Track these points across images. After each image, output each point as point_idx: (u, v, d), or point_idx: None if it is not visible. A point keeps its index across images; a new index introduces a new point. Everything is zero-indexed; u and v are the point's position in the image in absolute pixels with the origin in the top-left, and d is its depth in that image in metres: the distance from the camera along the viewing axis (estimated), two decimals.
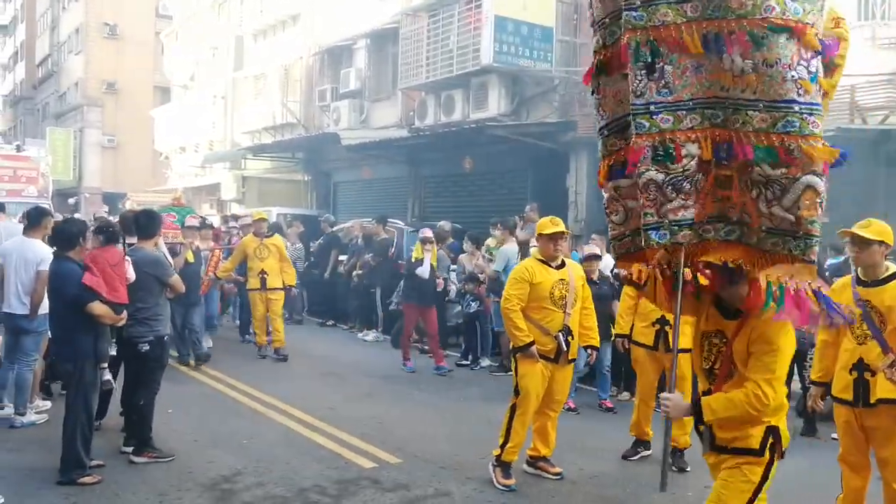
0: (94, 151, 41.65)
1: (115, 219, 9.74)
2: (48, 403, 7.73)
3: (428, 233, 10.92)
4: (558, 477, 6.19)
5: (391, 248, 13.36)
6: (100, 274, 5.86)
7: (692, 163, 3.31)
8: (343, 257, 14.35)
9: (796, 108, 3.11)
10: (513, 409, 6.04)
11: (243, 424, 7.53)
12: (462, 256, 11.49)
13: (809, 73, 3.12)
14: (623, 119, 3.50)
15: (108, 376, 6.35)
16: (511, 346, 6.20)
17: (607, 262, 9.37)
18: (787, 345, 3.47)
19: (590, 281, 7.27)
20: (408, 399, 8.98)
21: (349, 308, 14.38)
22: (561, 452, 6.44)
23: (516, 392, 6.06)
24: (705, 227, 3.42)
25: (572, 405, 8.29)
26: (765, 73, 3.13)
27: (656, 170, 3.31)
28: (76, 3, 43.16)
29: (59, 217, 8.92)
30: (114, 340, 6.19)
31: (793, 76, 3.09)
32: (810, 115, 3.12)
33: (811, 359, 7.25)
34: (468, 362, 10.98)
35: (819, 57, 3.17)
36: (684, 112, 3.31)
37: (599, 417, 8.36)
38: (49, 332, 6.78)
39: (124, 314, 6.02)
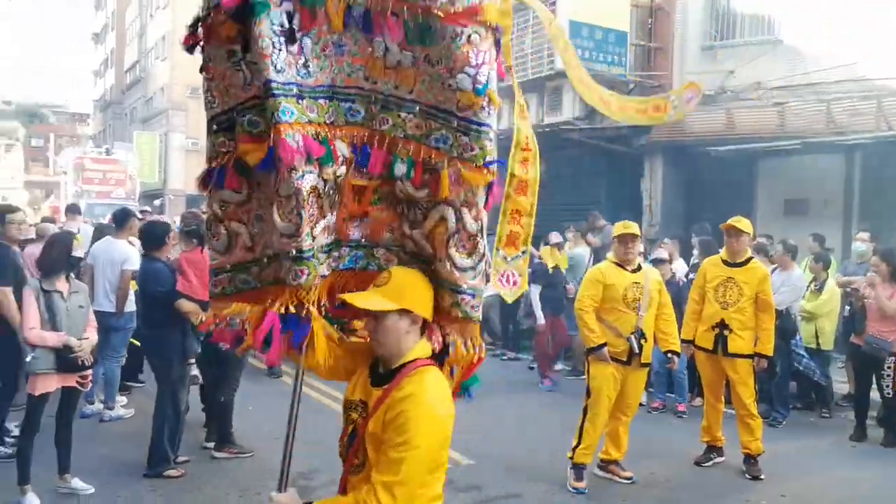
0: (179, 154, 43.00)
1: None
2: (124, 399, 8.11)
3: (557, 237, 10.47)
4: (629, 481, 6.21)
5: None
6: (197, 275, 6.15)
7: (342, 168, 2.53)
8: None
9: (454, 123, 2.45)
10: (585, 410, 6.11)
11: (321, 422, 7.69)
12: (537, 260, 11.50)
13: (477, 83, 2.41)
14: (234, 110, 2.57)
15: (195, 371, 6.64)
16: (584, 348, 6.29)
17: (682, 267, 9.32)
18: (429, 439, 2.38)
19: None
20: (480, 401, 8.98)
21: None
22: (633, 457, 6.45)
23: (588, 393, 6.12)
24: (333, 254, 2.62)
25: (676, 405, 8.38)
26: (426, 71, 2.45)
27: (314, 172, 2.44)
28: (163, 11, 44.67)
29: (153, 218, 9.30)
30: (201, 339, 6.47)
31: (451, 84, 2.42)
32: (465, 134, 2.45)
33: (888, 367, 7.11)
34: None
35: (492, 65, 2.47)
36: (324, 101, 2.52)
37: (673, 422, 8.32)
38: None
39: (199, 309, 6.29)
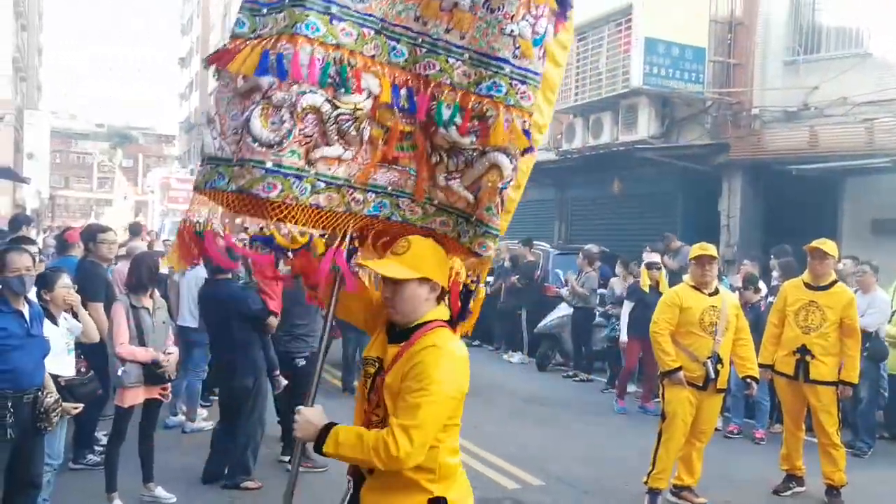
0: None
1: None
2: (205, 412, 8.31)
3: (654, 256, 10.18)
4: None
5: (537, 270, 13.45)
6: (274, 292, 6.34)
7: (367, 102, 2.41)
8: (490, 278, 14.54)
9: (506, 70, 2.41)
10: (659, 434, 6.00)
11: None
12: (613, 280, 11.38)
13: (535, 33, 2.42)
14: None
15: (284, 381, 6.78)
16: (658, 371, 6.18)
17: (762, 289, 9.08)
18: (445, 386, 2.45)
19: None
20: (552, 422, 9.00)
21: (494, 329, 14.53)
22: (708, 483, 6.29)
23: (663, 417, 6.01)
24: (354, 196, 2.52)
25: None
26: (483, 17, 2.42)
27: (323, 96, 2.34)
28: None
29: None
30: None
31: (512, 31, 2.40)
32: (522, 82, 2.44)
33: None
34: (615, 389, 10.83)
35: (551, 19, 2.49)
36: (371, 32, 2.42)
37: (751, 448, 8.07)
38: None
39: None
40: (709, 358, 5.89)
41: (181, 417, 8.02)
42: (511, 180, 2.53)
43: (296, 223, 2.50)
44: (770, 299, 8.23)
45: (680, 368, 5.88)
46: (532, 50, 2.43)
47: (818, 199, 12.91)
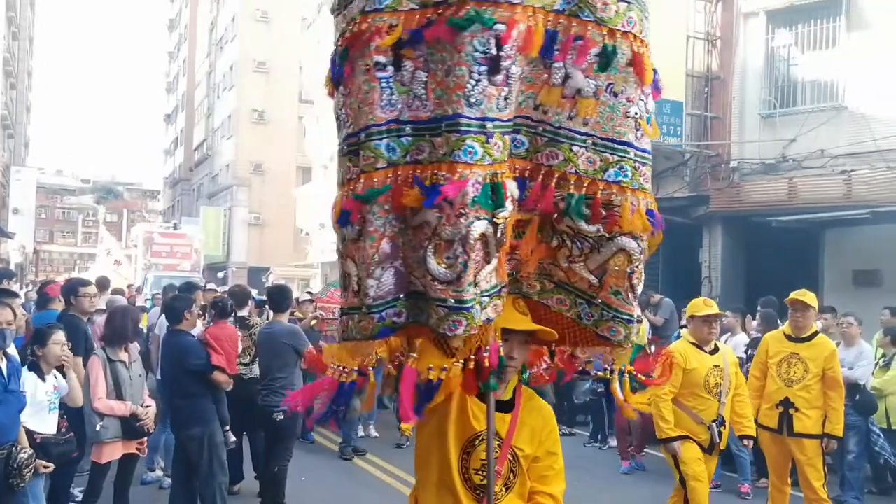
0: (242, 228, 44.15)
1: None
2: None
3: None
4: None
5: None
6: (224, 348, 6.26)
7: (512, 208, 2.34)
8: None
9: (631, 154, 2.37)
10: (686, 502, 5.62)
11: (374, 497, 7.64)
12: None
13: (647, 111, 2.41)
14: (364, 131, 2.35)
15: (233, 438, 6.69)
16: (657, 436, 5.88)
17: (741, 341, 9.04)
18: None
19: None
20: None
21: None
22: None
23: (683, 483, 5.64)
24: (503, 290, 2.44)
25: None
26: (606, 102, 2.36)
27: (486, 219, 2.24)
28: (229, 92, 46.53)
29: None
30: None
31: (635, 112, 2.37)
32: (643, 163, 2.41)
33: None
34: (598, 443, 10.70)
35: (651, 94, 2.48)
36: (508, 136, 2.34)
37: None
38: None
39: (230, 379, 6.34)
40: (714, 421, 5.68)
41: (158, 473, 7.85)
42: (639, 264, 2.46)
43: (475, 346, 2.40)
44: (751, 353, 8.17)
45: (675, 438, 5.62)
46: (648, 128, 2.41)
47: (799, 251, 13.02)
